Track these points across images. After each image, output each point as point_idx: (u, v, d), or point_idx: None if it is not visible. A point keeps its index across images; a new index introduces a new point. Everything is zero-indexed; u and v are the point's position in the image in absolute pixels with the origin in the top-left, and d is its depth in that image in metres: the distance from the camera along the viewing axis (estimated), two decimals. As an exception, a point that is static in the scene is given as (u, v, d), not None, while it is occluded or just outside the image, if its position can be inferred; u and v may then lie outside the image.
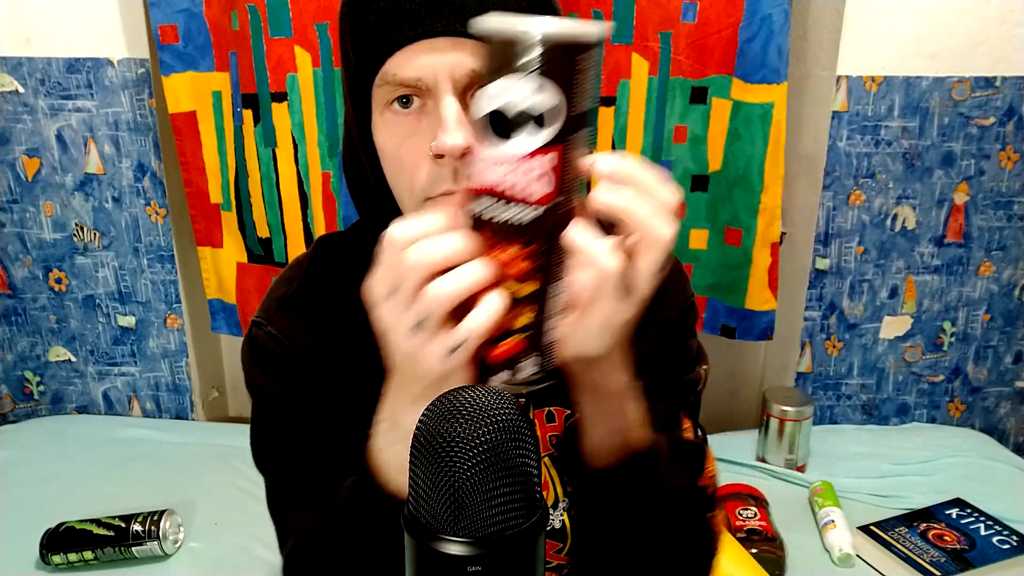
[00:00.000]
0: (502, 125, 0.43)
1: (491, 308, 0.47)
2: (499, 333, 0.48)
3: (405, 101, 0.62)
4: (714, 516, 0.77)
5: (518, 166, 0.43)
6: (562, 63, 0.42)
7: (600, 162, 0.48)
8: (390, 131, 0.63)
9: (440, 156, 0.61)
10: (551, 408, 0.76)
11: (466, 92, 0.61)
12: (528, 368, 0.49)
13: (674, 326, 0.76)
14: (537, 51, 0.42)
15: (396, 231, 0.48)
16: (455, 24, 0.59)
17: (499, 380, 0.49)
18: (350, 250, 0.75)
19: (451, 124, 0.59)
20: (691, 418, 0.79)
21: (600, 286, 0.48)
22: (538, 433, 0.77)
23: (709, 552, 0.73)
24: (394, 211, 0.66)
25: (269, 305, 0.74)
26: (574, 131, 0.44)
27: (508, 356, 0.48)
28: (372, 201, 0.69)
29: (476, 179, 0.45)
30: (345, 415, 0.68)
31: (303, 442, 0.72)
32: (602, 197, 0.48)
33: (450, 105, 0.60)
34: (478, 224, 0.46)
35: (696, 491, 0.75)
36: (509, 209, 0.44)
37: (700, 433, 1.62)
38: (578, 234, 0.47)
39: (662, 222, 0.48)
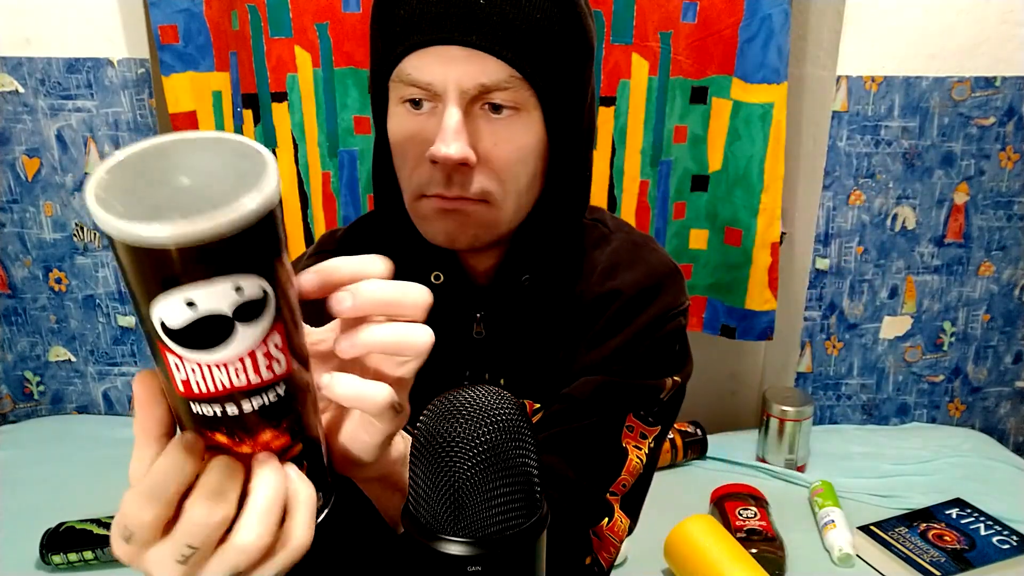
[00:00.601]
0: (208, 331, 0.36)
1: (261, 518, 0.39)
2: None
3: (416, 103, 0.64)
4: (608, 522, 0.74)
5: (244, 362, 0.37)
6: (261, 244, 0.35)
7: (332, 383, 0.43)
8: (400, 125, 0.65)
9: (434, 162, 0.62)
10: (525, 401, 0.76)
11: (473, 103, 0.62)
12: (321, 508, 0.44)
13: (648, 331, 0.74)
14: (225, 252, 0.34)
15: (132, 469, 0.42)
16: (471, 36, 0.60)
17: None
18: (355, 237, 0.78)
19: (448, 134, 0.61)
20: (660, 432, 0.77)
21: (380, 417, 0.44)
22: None
23: None
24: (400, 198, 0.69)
25: None
26: (286, 293, 0.38)
27: None
28: (389, 183, 0.70)
29: (204, 386, 0.38)
30: None
31: None
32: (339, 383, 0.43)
33: (452, 115, 0.61)
34: (221, 423, 0.39)
35: (588, 495, 0.72)
36: (251, 400, 0.39)
37: (697, 431, 1.61)
38: (339, 389, 0.43)
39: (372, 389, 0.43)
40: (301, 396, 0.41)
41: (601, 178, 1.51)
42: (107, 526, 1.29)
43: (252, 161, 0.37)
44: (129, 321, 1.75)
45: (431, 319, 0.73)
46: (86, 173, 1.65)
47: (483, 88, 0.62)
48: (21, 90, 1.59)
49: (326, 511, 0.45)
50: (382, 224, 0.74)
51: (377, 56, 0.66)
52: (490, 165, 0.64)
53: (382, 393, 0.43)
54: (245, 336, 0.36)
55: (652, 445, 0.76)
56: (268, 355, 0.38)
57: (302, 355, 0.41)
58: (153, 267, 0.33)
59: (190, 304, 0.34)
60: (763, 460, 1.58)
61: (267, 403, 0.39)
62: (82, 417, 1.82)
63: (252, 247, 0.35)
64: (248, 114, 1.49)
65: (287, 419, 0.41)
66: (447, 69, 0.61)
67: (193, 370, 0.37)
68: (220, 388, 0.37)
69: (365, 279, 0.43)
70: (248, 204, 0.34)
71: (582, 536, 0.73)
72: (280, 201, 0.37)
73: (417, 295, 0.44)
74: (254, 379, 0.38)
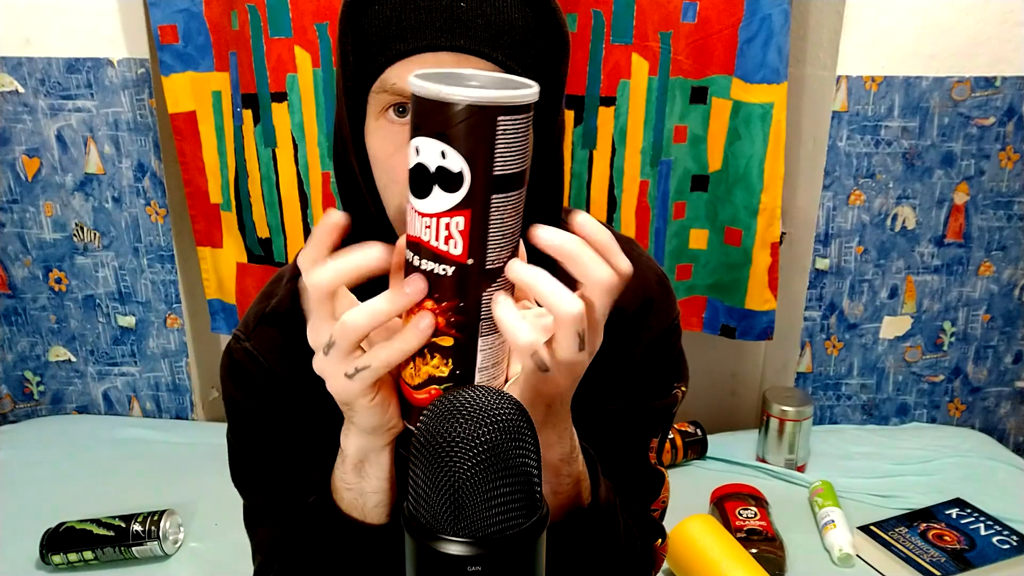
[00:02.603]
0: (424, 180, 0.43)
1: (399, 341, 0.46)
2: (424, 380, 0.48)
3: (401, 110, 0.62)
4: (661, 542, 0.77)
5: (432, 223, 0.44)
6: (474, 129, 0.41)
7: (542, 235, 0.47)
8: (383, 138, 0.63)
9: None
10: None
11: None
12: None
13: (656, 347, 0.76)
14: (444, 115, 0.41)
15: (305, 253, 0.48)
16: (459, 40, 0.59)
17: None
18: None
19: None
20: (661, 437, 0.79)
21: (522, 361, 0.48)
22: None
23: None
24: (380, 214, 0.66)
25: (249, 319, 0.74)
26: (489, 195, 0.43)
27: (431, 398, 0.48)
28: (358, 202, 0.68)
29: (407, 227, 0.46)
30: (317, 433, 0.68)
31: (273, 458, 0.73)
32: (544, 236, 0.47)
33: None
34: (408, 269, 0.46)
35: (645, 518, 0.75)
36: (426, 262, 0.45)
37: (697, 431, 1.61)
38: (498, 309, 0.46)
39: (566, 301, 0.46)
40: (467, 294, 0.45)
41: (601, 178, 1.51)
42: (107, 526, 1.29)
43: (517, 83, 0.45)
44: (129, 321, 1.75)
45: None
46: (86, 173, 1.65)
47: None
48: (21, 90, 1.59)
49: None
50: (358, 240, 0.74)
51: (350, 70, 0.63)
52: None
53: (528, 335, 0.45)
54: (437, 200, 0.43)
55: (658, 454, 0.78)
56: (448, 229, 0.44)
57: (480, 261, 0.45)
58: (414, 112, 0.43)
59: (416, 151, 0.43)
60: (763, 460, 1.58)
61: (435, 272, 0.45)
62: (82, 417, 1.82)
63: (470, 130, 0.41)
64: (248, 114, 1.49)
65: (448, 302, 0.45)
66: None
67: (410, 212, 0.45)
68: (411, 234, 0.45)
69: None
70: (528, 93, 0.42)
71: (648, 556, 0.75)
72: (528, 137, 0.44)
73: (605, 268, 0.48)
74: (432, 241, 0.44)
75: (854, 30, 1.50)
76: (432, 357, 0.47)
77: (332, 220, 0.47)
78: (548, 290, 0.46)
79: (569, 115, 1.49)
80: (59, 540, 1.28)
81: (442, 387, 0.48)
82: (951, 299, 1.69)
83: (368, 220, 0.67)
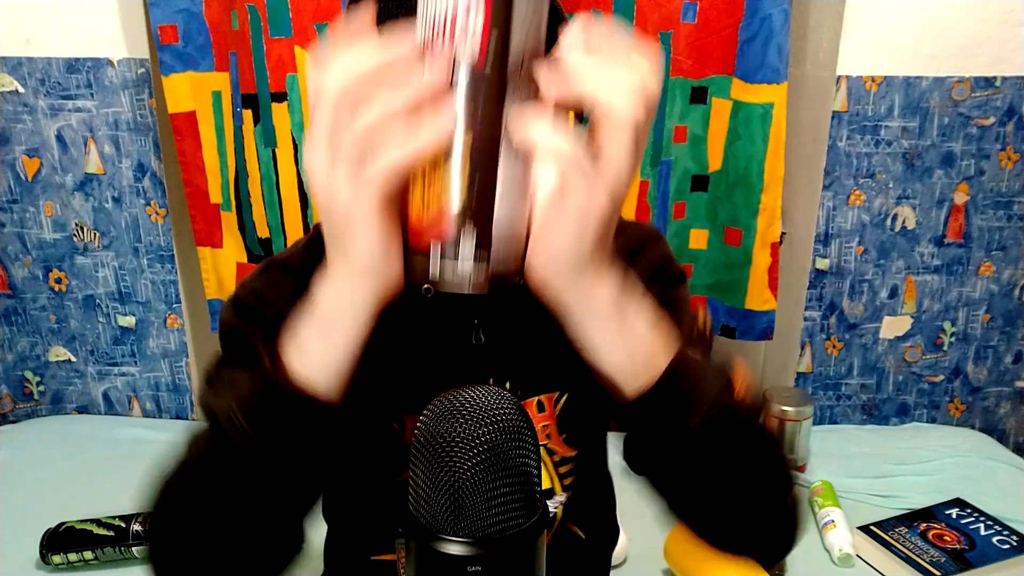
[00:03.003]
0: None
1: (413, 138, 0.41)
2: (434, 214, 0.43)
3: None
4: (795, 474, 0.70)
5: (447, 22, 0.40)
6: None
7: (566, 40, 0.43)
8: None
9: None
10: (540, 397, 0.76)
11: None
12: (468, 250, 0.43)
13: (655, 276, 0.72)
14: None
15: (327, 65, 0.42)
16: None
17: (440, 269, 0.44)
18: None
19: None
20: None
21: (561, 174, 0.43)
22: None
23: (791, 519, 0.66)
24: None
25: (254, 274, 0.72)
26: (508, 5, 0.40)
27: (442, 232, 0.42)
28: None
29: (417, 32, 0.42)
30: None
31: None
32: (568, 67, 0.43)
33: None
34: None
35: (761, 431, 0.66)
36: (449, 44, 0.41)
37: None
38: (527, 122, 0.43)
39: (623, 99, 0.43)
40: (483, 101, 0.41)
41: (601, 178, 1.51)
42: (107, 526, 1.29)
43: None
44: (129, 321, 1.75)
45: (430, 336, 0.72)
46: (86, 173, 1.65)
47: None
48: (21, 90, 1.59)
49: (498, 284, 0.44)
50: None
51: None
52: None
53: (563, 142, 0.42)
54: None
55: None
56: (467, 15, 0.40)
57: (502, 65, 0.41)
58: None
59: None
60: (763, 460, 1.58)
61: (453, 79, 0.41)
62: (82, 417, 1.82)
63: None
64: (248, 114, 1.49)
65: (464, 103, 0.41)
66: None
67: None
68: (428, 34, 0.41)
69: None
70: None
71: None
72: None
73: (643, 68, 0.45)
74: (449, 42, 0.41)
75: (854, 30, 1.50)
76: (443, 184, 0.42)
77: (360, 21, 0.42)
78: (599, 82, 0.42)
79: (569, 115, 1.48)
80: (59, 540, 1.28)
81: (455, 224, 0.43)
82: (951, 299, 1.69)
83: None
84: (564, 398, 0.76)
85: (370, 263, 0.45)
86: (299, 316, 0.51)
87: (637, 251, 0.75)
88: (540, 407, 0.76)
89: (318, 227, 0.80)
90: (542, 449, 0.76)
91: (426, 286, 0.70)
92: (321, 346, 0.50)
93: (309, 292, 0.50)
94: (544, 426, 0.77)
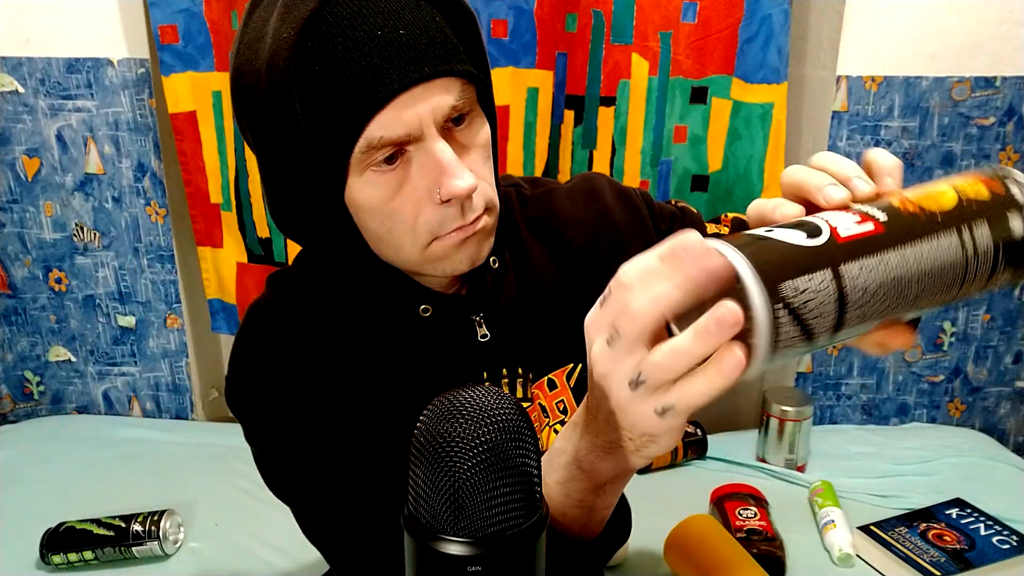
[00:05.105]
0: None
1: (705, 381, 0.40)
2: None
3: (390, 159, 0.61)
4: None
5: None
6: None
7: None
8: (377, 189, 0.62)
9: (447, 200, 0.61)
10: (551, 376, 0.77)
11: (444, 126, 0.61)
12: None
13: (649, 214, 0.83)
14: None
15: (628, 267, 0.42)
16: (423, 67, 0.59)
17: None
18: (309, 294, 0.73)
19: (454, 167, 0.60)
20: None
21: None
22: (544, 402, 0.77)
23: None
24: (379, 264, 0.68)
25: (241, 359, 0.71)
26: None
27: None
28: (356, 255, 0.68)
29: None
30: (354, 432, 0.67)
31: (326, 463, 0.69)
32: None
33: (443, 149, 0.60)
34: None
35: None
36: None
37: (697, 431, 1.61)
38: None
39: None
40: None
41: (601, 178, 1.51)
42: (107, 526, 1.29)
43: None
44: (129, 321, 1.75)
45: (437, 349, 0.74)
46: (86, 173, 1.65)
47: (453, 109, 0.61)
48: (21, 90, 1.59)
49: None
50: (349, 287, 0.72)
51: (312, 136, 0.60)
52: (477, 173, 0.64)
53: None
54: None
55: None
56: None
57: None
58: None
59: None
60: (763, 460, 1.58)
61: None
62: (82, 417, 1.82)
63: None
64: (248, 114, 1.49)
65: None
66: (415, 111, 0.59)
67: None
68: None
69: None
70: None
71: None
72: None
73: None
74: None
75: (854, 30, 1.50)
76: None
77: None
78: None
79: (569, 115, 1.49)
80: (59, 540, 1.27)
81: None
82: (951, 299, 1.69)
83: (365, 262, 0.67)
84: (577, 368, 0.77)
85: (655, 455, 0.47)
86: (558, 473, 0.54)
87: (624, 246, 0.79)
88: (551, 385, 0.77)
89: (271, 286, 0.75)
90: (558, 426, 0.77)
91: (423, 307, 0.72)
92: (596, 499, 0.56)
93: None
94: (559, 401, 0.77)
